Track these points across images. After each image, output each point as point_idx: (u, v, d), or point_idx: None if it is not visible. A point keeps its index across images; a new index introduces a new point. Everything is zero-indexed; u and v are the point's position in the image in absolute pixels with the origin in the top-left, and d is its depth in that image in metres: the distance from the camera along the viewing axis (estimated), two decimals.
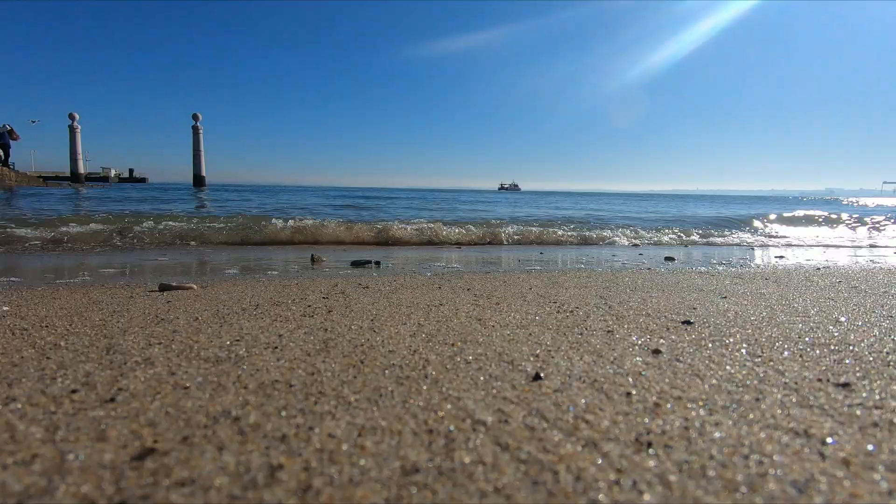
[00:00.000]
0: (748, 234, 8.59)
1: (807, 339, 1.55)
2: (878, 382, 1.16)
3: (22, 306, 2.08)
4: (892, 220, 10.73)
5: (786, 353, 1.40)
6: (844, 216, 11.86)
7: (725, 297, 2.32)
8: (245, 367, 1.26)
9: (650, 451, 0.83)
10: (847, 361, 1.32)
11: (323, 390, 1.10)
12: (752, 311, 1.98)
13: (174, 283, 2.60)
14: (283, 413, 0.98)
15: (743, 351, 1.42)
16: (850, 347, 1.45)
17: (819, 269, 3.76)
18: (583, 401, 1.05)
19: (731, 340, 1.53)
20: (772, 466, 0.78)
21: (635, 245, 6.74)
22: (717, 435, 0.89)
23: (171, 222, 6.43)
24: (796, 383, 1.16)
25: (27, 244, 4.97)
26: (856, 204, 29.06)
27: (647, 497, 0.70)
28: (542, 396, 1.07)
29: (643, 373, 1.22)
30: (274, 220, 6.60)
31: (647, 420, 0.95)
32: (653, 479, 0.74)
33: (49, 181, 25.49)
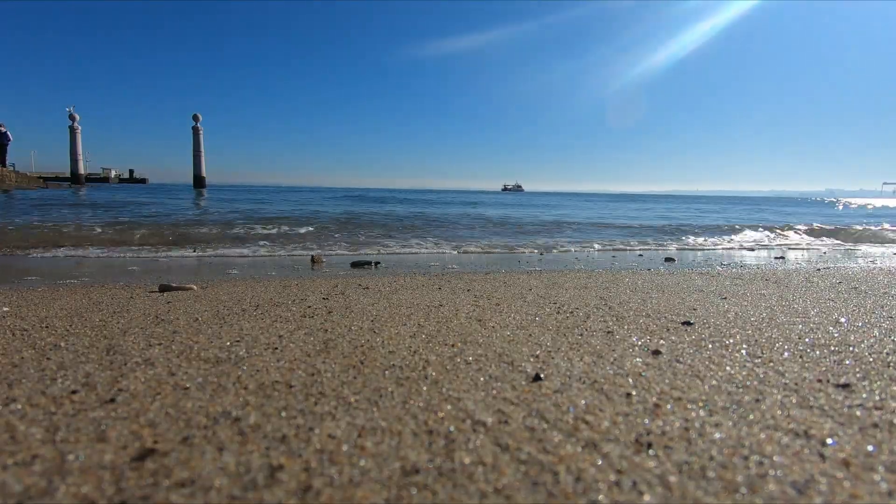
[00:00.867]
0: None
1: (807, 339, 1.55)
2: (878, 383, 1.16)
3: (22, 307, 2.08)
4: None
5: (786, 353, 1.40)
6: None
7: (725, 298, 2.32)
8: (245, 367, 1.26)
9: (650, 451, 0.83)
10: (847, 362, 1.32)
11: (323, 391, 1.10)
12: (752, 312, 1.98)
13: (174, 284, 2.60)
14: (283, 414, 0.98)
15: (743, 352, 1.42)
16: (851, 348, 1.45)
17: (819, 269, 3.76)
18: (583, 401, 1.05)
19: (731, 341, 1.53)
20: (772, 467, 0.78)
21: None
22: (717, 436, 0.89)
23: None
24: (796, 384, 1.15)
25: None
26: (853, 206, 28.98)
27: (647, 498, 0.70)
28: (541, 397, 1.07)
29: (643, 374, 1.22)
30: None
31: (647, 421, 0.95)
32: (653, 480, 0.74)
33: (49, 182, 25.49)
